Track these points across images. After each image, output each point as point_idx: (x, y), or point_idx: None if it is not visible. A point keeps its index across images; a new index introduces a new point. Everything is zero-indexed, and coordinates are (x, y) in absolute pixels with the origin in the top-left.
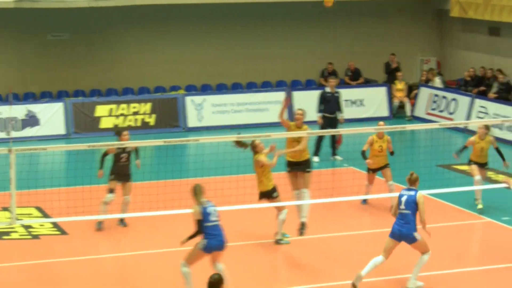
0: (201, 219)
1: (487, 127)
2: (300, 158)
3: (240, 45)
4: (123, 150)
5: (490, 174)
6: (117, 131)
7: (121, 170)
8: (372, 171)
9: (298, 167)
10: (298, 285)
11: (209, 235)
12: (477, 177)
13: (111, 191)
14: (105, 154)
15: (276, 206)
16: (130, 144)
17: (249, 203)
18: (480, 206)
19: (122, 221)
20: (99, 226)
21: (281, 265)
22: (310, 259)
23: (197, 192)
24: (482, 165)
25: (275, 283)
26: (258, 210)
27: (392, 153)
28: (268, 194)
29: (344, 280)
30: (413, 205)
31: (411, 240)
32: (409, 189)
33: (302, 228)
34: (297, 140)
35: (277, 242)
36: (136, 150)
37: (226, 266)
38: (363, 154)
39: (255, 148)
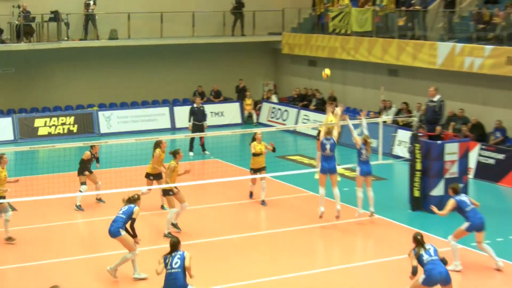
0: None
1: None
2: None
3: (136, 74)
4: (94, 156)
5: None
6: (92, 145)
7: (89, 168)
8: (254, 171)
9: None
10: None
11: None
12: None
13: (85, 183)
14: (83, 160)
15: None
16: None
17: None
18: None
19: (100, 199)
20: (80, 208)
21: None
22: (188, 222)
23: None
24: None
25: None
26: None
27: (274, 150)
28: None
29: (217, 237)
30: (333, 148)
31: (335, 171)
32: (327, 139)
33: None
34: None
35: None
36: (98, 157)
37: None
38: (253, 156)
39: (176, 154)
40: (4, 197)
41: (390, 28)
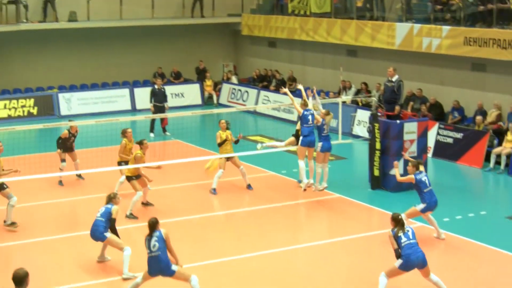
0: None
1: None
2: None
3: (96, 56)
4: (73, 135)
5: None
6: (70, 126)
7: (68, 147)
8: (226, 159)
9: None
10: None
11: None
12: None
13: (64, 160)
14: (60, 138)
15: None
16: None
17: (110, 166)
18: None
19: (80, 176)
20: (61, 183)
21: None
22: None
23: None
24: None
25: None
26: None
27: (236, 142)
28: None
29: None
30: (313, 118)
31: (314, 145)
32: (307, 110)
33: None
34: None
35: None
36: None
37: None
38: (219, 145)
39: (141, 144)
40: (3, 184)
41: (348, 9)
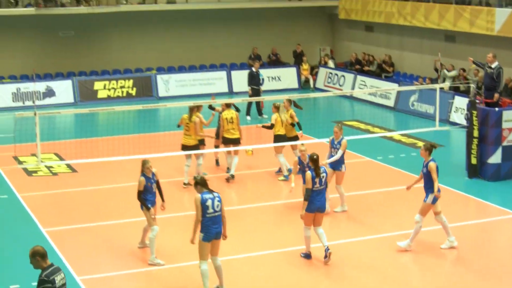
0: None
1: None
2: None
3: (194, 38)
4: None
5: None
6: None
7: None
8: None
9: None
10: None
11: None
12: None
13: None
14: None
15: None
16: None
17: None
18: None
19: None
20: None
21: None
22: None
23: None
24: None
25: None
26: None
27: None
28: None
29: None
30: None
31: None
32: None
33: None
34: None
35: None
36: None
37: None
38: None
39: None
40: (203, 140)
41: None
